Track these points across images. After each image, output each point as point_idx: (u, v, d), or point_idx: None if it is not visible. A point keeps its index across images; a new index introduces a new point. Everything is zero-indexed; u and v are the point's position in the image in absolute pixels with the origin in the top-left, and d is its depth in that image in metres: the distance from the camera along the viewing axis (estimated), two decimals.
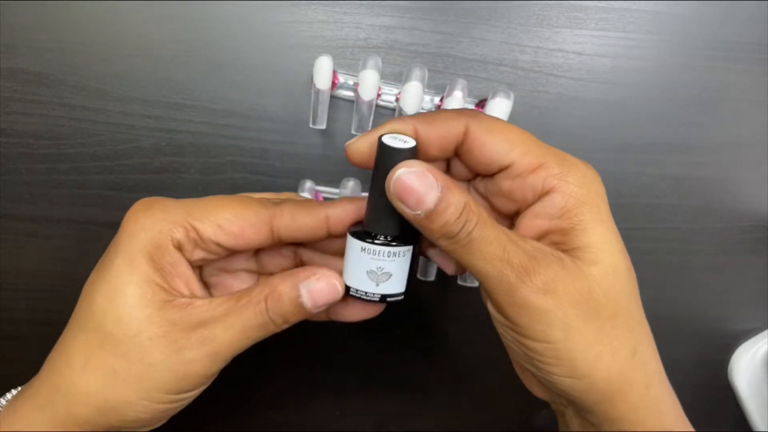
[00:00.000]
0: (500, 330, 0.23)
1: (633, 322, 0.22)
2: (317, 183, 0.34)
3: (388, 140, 0.22)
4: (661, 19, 0.34)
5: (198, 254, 0.23)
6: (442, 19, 0.34)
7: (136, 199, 0.33)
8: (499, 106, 0.30)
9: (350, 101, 0.34)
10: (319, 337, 0.36)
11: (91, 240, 0.36)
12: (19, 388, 0.25)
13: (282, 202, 0.24)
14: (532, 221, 0.22)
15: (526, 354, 0.21)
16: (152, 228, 0.22)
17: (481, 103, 0.33)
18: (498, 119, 0.23)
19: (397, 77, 0.34)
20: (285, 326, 0.24)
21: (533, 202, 0.22)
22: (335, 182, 0.35)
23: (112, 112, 0.35)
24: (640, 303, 0.23)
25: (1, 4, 0.34)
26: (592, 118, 0.34)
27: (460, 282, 0.31)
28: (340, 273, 0.24)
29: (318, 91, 0.32)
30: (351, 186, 0.32)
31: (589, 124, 0.34)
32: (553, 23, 0.34)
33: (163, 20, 0.34)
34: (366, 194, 0.24)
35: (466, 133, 0.22)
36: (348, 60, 0.34)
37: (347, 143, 0.23)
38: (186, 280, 0.23)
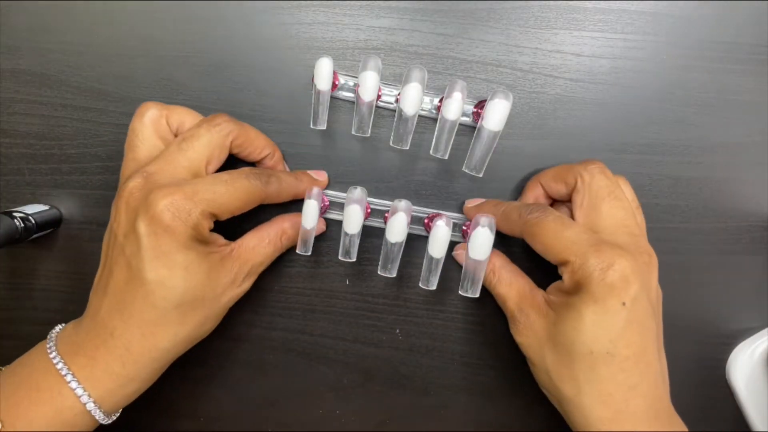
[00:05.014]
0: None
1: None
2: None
3: None
4: (660, 21, 0.34)
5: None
6: (441, 20, 0.34)
7: None
8: (498, 107, 0.31)
9: (351, 102, 0.34)
10: (318, 337, 0.37)
11: (93, 240, 0.36)
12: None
13: (269, 178, 0.31)
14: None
15: None
16: (189, 221, 0.28)
17: (480, 104, 0.33)
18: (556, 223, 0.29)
19: (397, 78, 0.34)
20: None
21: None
22: (336, 183, 0.35)
23: (114, 112, 0.35)
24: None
25: (3, 5, 0.34)
26: (590, 118, 0.35)
27: (461, 292, 0.31)
28: None
29: (319, 92, 0.32)
30: (357, 193, 0.31)
31: (588, 124, 0.35)
32: (552, 24, 0.34)
33: (165, 22, 0.34)
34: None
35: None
36: (348, 61, 0.34)
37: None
38: (215, 238, 0.31)
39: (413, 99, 0.31)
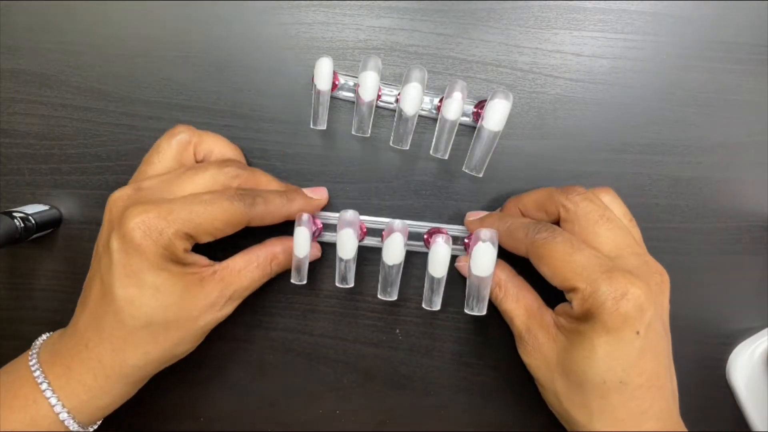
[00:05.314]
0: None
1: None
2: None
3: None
4: (660, 21, 0.34)
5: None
6: (441, 20, 0.34)
7: None
8: (498, 107, 0.31)
9: (351, 102, 0.34)
10: (318, 337, 0.37)
11: (93, 240, 0.36)
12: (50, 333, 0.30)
13: (255, 199, 0.29)
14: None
15: None
16: (160, 240, 0.27)
17: (480, 104, 0.33)
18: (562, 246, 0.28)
19: (397, 78, 0.34)
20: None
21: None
22: (336, 183, 0.35)
23: (114, 112, 0.35)
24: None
25: (3, 5, 0.34)
26: (590, 118, 0.35)
27: (467, 311, 0.31)
28: None
29: (319, 92, 0.32)
30: (349, 215, 0.31)
31: (588, 124, 0.35)
32: (552, 24, 0.34)
33: (165, 22, 0.34)
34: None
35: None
36: (348, 61, 0.34)
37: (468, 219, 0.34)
38: (195, 258, 0.30)
39: (413, 99, 0.31)
